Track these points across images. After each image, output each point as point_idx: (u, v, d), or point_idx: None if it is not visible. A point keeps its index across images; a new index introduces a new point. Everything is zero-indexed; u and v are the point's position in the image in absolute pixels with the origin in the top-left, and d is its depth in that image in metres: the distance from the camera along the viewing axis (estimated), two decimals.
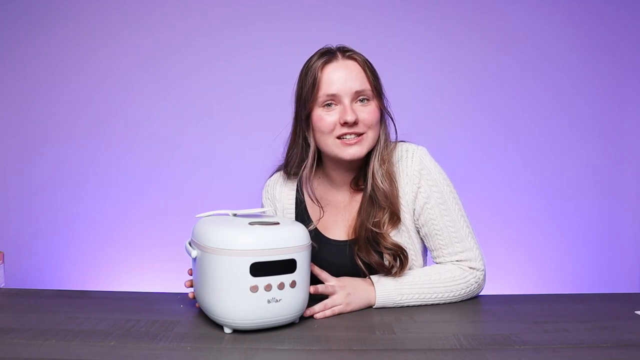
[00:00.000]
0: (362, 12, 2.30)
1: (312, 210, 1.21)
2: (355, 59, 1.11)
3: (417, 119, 2.15)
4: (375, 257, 1.10)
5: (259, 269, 0.87)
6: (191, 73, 2.33)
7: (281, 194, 1.25)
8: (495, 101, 2.34)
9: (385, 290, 1.07)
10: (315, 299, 1.01)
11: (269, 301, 0.88)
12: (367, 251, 1.11)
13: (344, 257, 1.16)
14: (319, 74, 1.09)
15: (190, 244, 0.99)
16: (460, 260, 1.12)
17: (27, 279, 2.26)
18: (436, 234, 1.12)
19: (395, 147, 1.16)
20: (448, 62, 2.32)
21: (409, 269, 1.12)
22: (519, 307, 1.07)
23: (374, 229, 1.10)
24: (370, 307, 1.07)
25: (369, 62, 1.13)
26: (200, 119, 2.33)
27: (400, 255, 1.09)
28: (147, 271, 2.31)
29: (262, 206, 1.30)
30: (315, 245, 1.06)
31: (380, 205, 1.11)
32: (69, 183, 2.35)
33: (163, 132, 2.34)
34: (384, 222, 1.11)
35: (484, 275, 1.13)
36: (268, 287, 0.88)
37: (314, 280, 1.03)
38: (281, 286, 0.89)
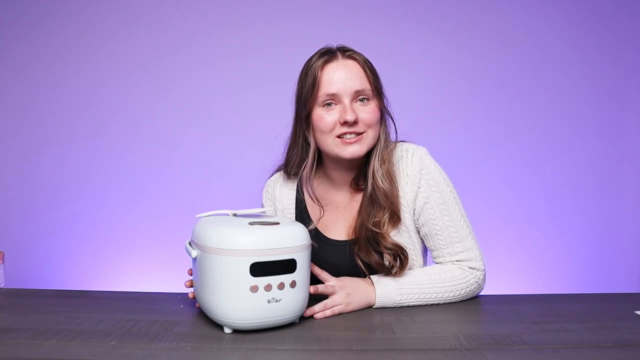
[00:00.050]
0: (362, 12, 2.30)
1: (312, 210, 1.21)
2: (355, 59, 1.11)
3: (417, 119, 2.15)
4: (375, 257, 1.10)
5: (259, 269, 0.87)
6: (191, 73, 2.33)
7: (281, 194, 1.25)
8: (495, 101, 2.34)
9: (385, 290, 1.07)
10: (315, 299, 1.01)
11: (269, 301, 0.88)
12: (367, 251, 1.11)
13: (344, 257, 1.16)
14: (319, 74, 1.09)
15: (190, 244, 0.99)
16: (460, 260, 1.12)
17: (27, 279, 2.26)
18: (436, 234, 1.12)
19: (395, 147, 1.16)
20: (448, 62, 2.32)
21: (409, 269, 1.12)
22: (519, 307, 1.07)
23: (374, 228, 1.10)
24: (370, 307, 1.07)
25: (369, 61, 1.13)
26: (200, 119, 2.33)
27: (400, 255, 1.09)
28: (147, 271, 2.31)
29: (262, 206, 1.30)
30: (315, 245, 1.06)
31: (381, 205, 1.11)
32: (69, 183, 2.35)
33: (163, 132, 2.34)
34: (384, 222, 1.11)
35: (484, 275, 1.13)
36: (268, 287, 0.88)
37: (314, 280, 1.03)
38: (281, 286, 0.89)
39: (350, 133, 1.08)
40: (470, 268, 1.11)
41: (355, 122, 1.08)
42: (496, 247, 2.24)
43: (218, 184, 2.32)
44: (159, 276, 2.20)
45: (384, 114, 1.15)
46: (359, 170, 1.17)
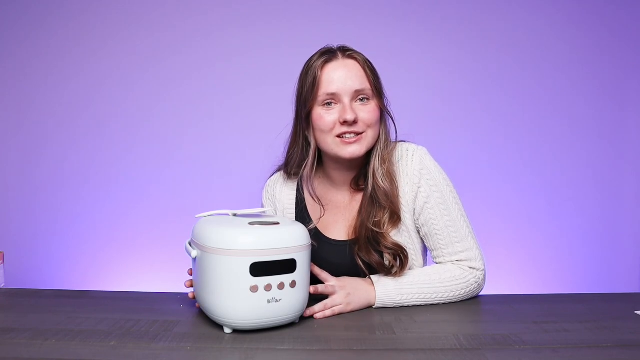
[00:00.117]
0: (362, 12, 2.31)
1: (313, 210, 1.21)
2: (355, 59, 1.11)
3: (417, 119, 2.15)
4: (375, 257, 1.10)
5: (259, 269, 0.87)
6: (191, 73, 2.33)
7: (281, 193, 1.25)
8: (495, 101, 2.34)
9: (385, 290, 1.07)
10: (315, 299, 1.01)
11: (269, 301, 0.88)
12: (367, 251, 1.11)
13: (344, 257, 1.16)
14: (319, 73, 1.09)
15: (190, 244, 0.99)
16: (460, 260, 1.12)
17: (27, 279, 2.26)
18: (436, 234, 1.12)
19: (395, 147, 1.16)
20: (448, 62, 2.32)
21: (409, 269, 1.12)
22: (519, 307, 1.07)
23: (374, 228, 1.10)
24: (370, 307, 1.07)
25: (369, 61, 1.13)
26: (200, 119, 2.34)
27: (400, 255, 1.09)
28: (147, 271, 2.31)
29: (262, 206, 1.30)
30: (315, 244, 1.07)
31: (381, 205, 1.11)
32: (69, 183, 2.35)
33: (163, 132, 2.34)
34: (385, 222, 1.11)
35: (484, 275, 1.13)
36: (268, 287, 0.88)
37: (314, 280, 1.03)
38: (281, 286, 0.89)
39: (350, 133, 1.08)
40: (471, 268, 1.11)
41: (355, 122, 1.08)
42: (496, 247, 2.24)
43: (218, 184, 2.32)
44: (159, 276, 2.20)
45: (384, 113, 1.15)
46: (359, 170, 1.17)
